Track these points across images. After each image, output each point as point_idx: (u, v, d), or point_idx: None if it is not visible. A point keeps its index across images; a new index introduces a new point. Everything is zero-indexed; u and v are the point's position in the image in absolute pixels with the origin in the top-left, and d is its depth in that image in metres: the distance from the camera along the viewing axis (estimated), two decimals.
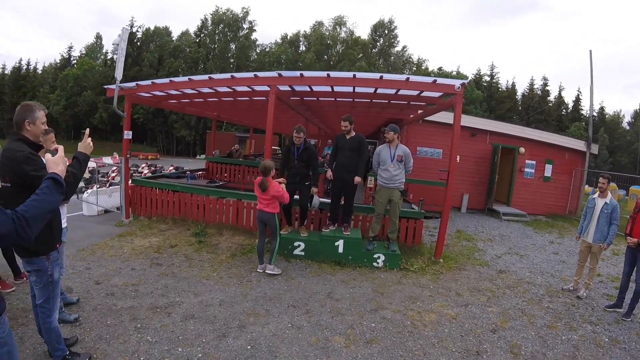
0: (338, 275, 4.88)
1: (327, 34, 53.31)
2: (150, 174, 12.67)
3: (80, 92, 47.38)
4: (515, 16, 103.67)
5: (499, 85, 55.60)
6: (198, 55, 48.75)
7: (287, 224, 5.84)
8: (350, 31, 54.68)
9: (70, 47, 56.33)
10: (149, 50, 52.27)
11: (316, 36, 52.26)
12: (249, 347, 3.03)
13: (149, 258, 5.21)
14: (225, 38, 50.64)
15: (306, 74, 5.67)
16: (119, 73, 6.69)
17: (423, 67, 52.26)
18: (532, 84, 54.93)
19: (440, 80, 5.22)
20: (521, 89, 56.49)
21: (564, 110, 53.93)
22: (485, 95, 51.79)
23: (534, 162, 11.32)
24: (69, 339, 2.87)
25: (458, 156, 10.94)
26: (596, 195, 4.64)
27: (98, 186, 9.71)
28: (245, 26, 52.05)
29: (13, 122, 2.49)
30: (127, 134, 7.31)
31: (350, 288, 4.47)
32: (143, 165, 23.06)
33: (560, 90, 54.55)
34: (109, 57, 54.45)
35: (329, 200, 5.79)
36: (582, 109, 51.84)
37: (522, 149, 11.06)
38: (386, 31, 54.28)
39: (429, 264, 5.48)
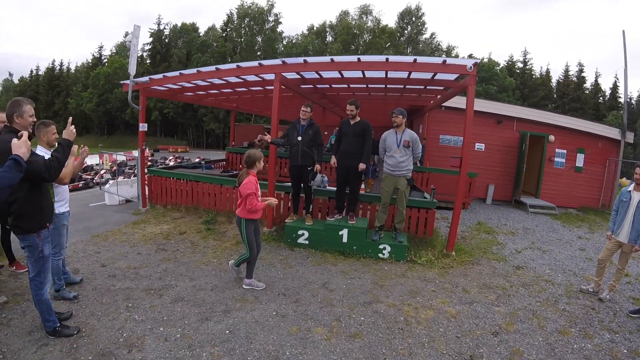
0: (339, 266, 4.74)
1: (353, 23, 52.44)
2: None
3: (111, 89, 49.90)
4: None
5: (532, 72, 52.52)
6: (225, 49, 49.63)
7: (294, 212, 5.77)
8: (376, 20, 53.51)
9: (101, 47, 59.81)
10: (177, 46, 53.91)
11: (342, 26, 51.52)
12: (228, 331, 3.06)
13: (157, 244, 5.40)
14: (252, 31, 51.19)
15: (310, 59, 5.48)
16: (132, 68, 7.07)
17: (453, 54, 50.18)
18: (567, 71, 51.61)
19: (450, 61, 4.86)
20: (556, 75, 53.27)
21: (600, 98, 50.31)
22: (518, 82, 48.89)
23: (564, 151, 10.42)
24: (63, 313, 3.10)
25: (478, 144, 10.64)
26: (632, 187, 4.06)
27: (122, 177, 10.18)
28: (271, 19, 52.32)
29: (5, 116, 2.80)
30: (142, 127, 7.59)
31: (348, 279, 4.31)
32: (170, 157, 24.13)
33: (597, 77, 50.89)
34: (138, 55, 56.69)
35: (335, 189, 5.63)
36: (619, 97, 47.89)
37: (551, 137, 10.22)
38: (413, 18, 52.47)
39: (440, 257, 5.17)
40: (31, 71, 63.38)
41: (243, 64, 6.11)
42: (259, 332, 3.08)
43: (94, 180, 12.52)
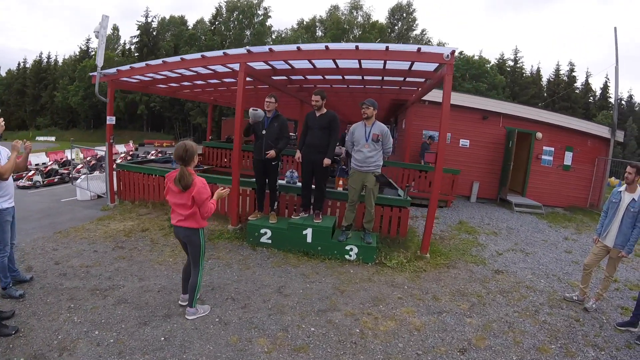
0: (301, 268, 4.33)
1: (344, 18, 51.80)
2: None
3: None
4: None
5: (523, 71, 52.56)
6: (213, 43, 48.62)
7: (258, 210, 5.38)
8: (367, 15, 52.92)
9: (88, 39, 56.92)
10: (165, 39, 52.72)
11: (332, 21, 50.89)
12: (163, 338, 2.85)
13: (116, 241, 5.14)
14: (241, 25, 50.26)
15: (276, 47, 5.05)
16: (99, 60, 6.80)
17: None
18: (558, 70, 51.62)
19: (425, 49, 4.46)
20: (546, 74, 53.41)
21: (591, 98, 50.67)
22: (509, 80, 49.04)
23: (552, 149, 10.10)
24: (6, 312, 3.05)
25: (463, 140, 10.36)
26: (623, 188, 3.66)
27: (100, 172, 9.67)
28: (260, 12, 51.42)
29: None
30: (110, 120, 7.32)
31: (307, 283, 3.91)
32: (153, 152, 23.56)
33: (587, 77, 51.13)
34: (126, 48, 55.44)
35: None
36: (610, 97, 48.32)
37: (539, 134, 9.91)
38: (404, 14, 52.10)
39: (412, 259, 4.77)
40: (18, 64, 61.15)
41: (208, 54, 5.70)
42: (196, 341, 2.83)
43: (70, 175, 12.06)
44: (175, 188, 2.84)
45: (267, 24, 52.15)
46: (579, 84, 50.91)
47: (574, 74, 50.67)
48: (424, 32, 52.90)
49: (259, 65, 6.07)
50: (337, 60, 5.68)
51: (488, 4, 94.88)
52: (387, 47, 4.56)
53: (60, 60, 59.59)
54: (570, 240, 6.81)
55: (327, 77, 7.10)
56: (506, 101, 12.16)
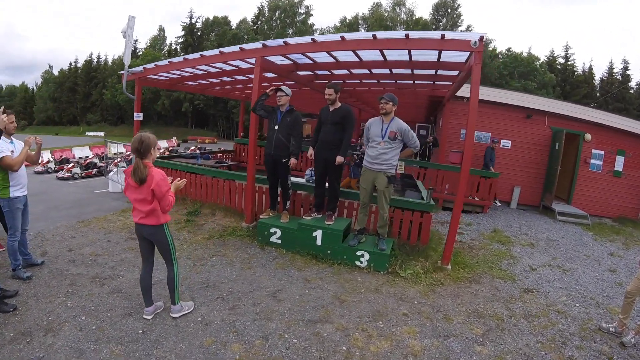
0: (306, 271, 4.12)
1: (386, 15, 50.55)
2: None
3: None
4: None
5: (574, 69, 47.76)
6: (255, 42, 49.93)
7: (271, 208, 5.24)
8: (410, 11, 51.23)
9: (136, 40, 60.64)
10: (209, 39, 54.91)
11: (375, 18, 49.86)
12: (141, 331, 2.85)
13: (131, 233, 5.22)
14: (283, 24, 50.93)
15: (290, 40, 4.85)
16: (127, 59, 7.09)
17: (490, 48, 47.00)
18: (611, 68, 46.58)
19: (450, 35, 3.98)
20: (599, 73, 48.24)
21: None
22: (559, 79, 44.96)
23: (602, 153, 8.89)
24: (9, 291, 3.27)
25: (504, 140, 9.44)
26: None
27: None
28: (301, 11, 51.78)
29: None
30: (137, 116, 7.60)
31: (307, 288, 3.68)
32: (192, 147, 24.65)
33: None
34: (172, 48, 58.54)
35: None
36: None
37: (587, 136, 8.73)
38: (449, 10, 49.64)
39: (431, 270, 4.33)
40: (70, 64, 65.97)
41: (226, 49, 5.64)
42: (171, 338, 2.78)
43: (107, 169, 12.92)
44: (134, 183, 2.71)
45: (309, 22, 52.36)
46: (633, 83, 45.72)
47: (628, 72, 45.49)
48: (470, 28, 50.04)
49: (280, 60, 5.96)
50: (359, 53, 5.38)
51: None
52: (407, 35, 4.16)
53: (110, 60, 63.97)
54: (616, 257, 5.90)
55: (353, 71, 6.78)
56: (551, 98, 10.88)
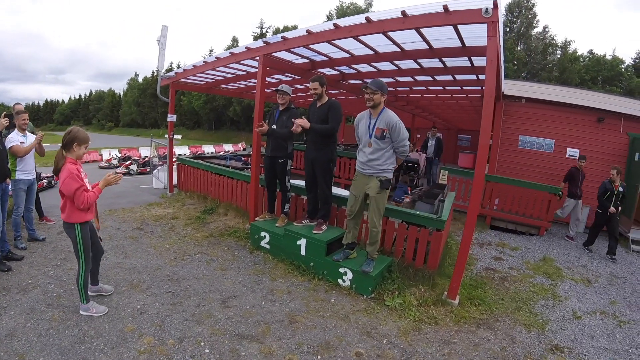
0: (278, 282, 3.75)
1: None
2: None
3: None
4: None
5: None
6: None
7: (268, 211, 5.00)
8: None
9: (211, 50, 65.59)
10: None
11: None
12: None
13: (142, 224, 5.54)
14: None
15: (288, 34, 4.56)
16: (161, 65, 7.75)
17: (570, 50, 41.23)
18: None
19: (454, 6, 3.23)
20: None
21: None
22: None
23: None
24: (16, 255, 3.87)
25: (571, 149, 7.78)
26: None
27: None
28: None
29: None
30: (171, 117, 8.20)
31: (265, 300, 3.32)
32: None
33: None
34: None
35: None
36: None
37: None
38: (523, 10, 44.69)
39: (429, 302, 3.48)
40: (152, 72, 71.23)
41: (235, 50, 5.58)
42: (103, 317, 2.91)
43: (153, 165, 14.13)
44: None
45: None
46: None
47: None
48: (547, 29, 44.53)
49: (297, 60, 5.81)
50: (371, 44, 4.82)
51: None
52: (403, 12, 3.50)
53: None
54: None
55: (374, 64, 6.08)
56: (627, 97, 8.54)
